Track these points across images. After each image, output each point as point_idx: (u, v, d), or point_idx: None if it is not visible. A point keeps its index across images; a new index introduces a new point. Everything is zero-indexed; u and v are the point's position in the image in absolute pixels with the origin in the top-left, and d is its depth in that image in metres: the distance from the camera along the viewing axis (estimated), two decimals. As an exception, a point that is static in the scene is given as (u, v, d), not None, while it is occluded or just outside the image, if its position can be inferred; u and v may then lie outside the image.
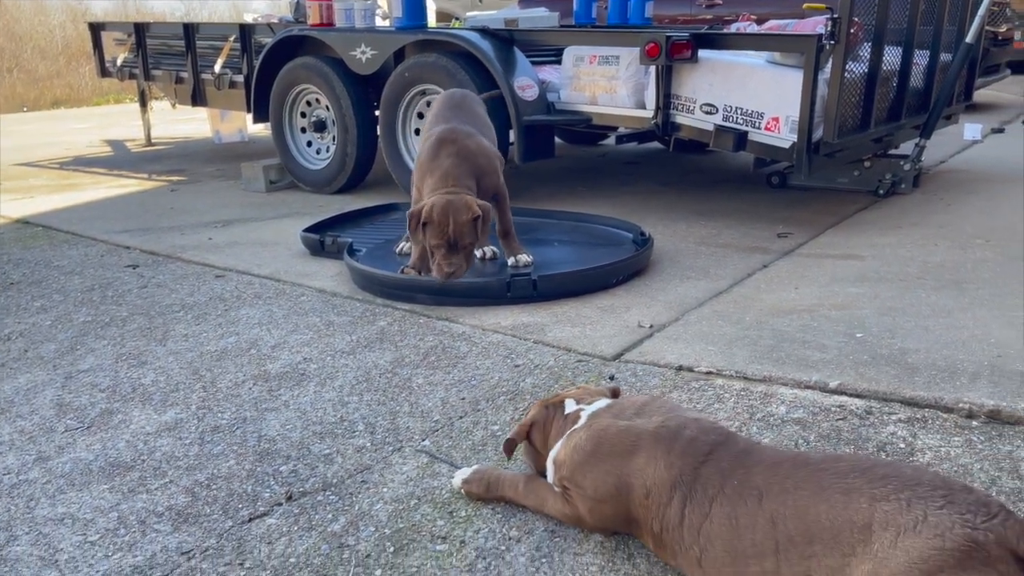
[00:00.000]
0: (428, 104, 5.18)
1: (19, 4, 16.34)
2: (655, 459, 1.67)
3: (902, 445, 2.05)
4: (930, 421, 2.15)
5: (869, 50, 4.39)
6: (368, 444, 2.29)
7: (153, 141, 8.66)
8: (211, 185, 6.33)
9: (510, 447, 2.00)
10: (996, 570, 1.25)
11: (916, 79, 5.03)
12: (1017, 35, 9.67)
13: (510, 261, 3.61)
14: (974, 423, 2.13)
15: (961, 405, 2.19)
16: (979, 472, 1.91)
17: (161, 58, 7.24)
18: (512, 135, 4.80)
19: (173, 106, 8.20)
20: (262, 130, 7.58)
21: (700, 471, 1.61)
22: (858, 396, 2.32)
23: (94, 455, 2.28)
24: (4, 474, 2.20)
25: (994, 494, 1.82)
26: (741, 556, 1.49)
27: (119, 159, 7.99)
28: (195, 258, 4.17)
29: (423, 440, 2.29)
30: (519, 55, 4.97)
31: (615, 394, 2.03)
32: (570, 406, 1.95)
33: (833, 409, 2.26)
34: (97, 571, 1.79)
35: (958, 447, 2.02)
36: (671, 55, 4.28)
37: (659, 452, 1.67)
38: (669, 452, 1.66)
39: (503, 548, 1.80)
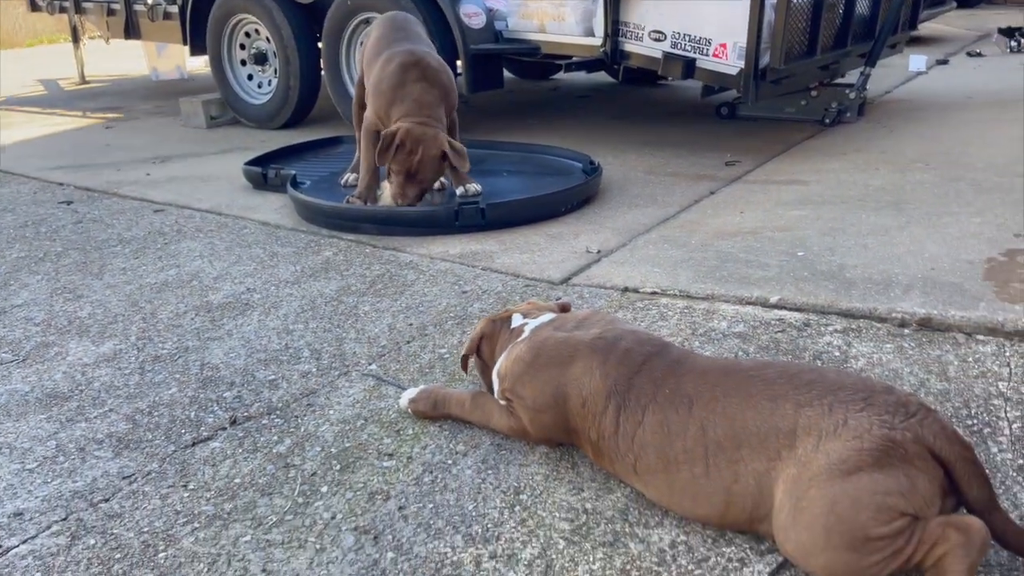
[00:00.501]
0: (372, 34, 5.04)
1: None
2: (591, 369, 1.69)
3: (837, 353, 2.11)
4: (864, 331, 2.21)
5: (816, -25, 4.37)
6: (314, 369, 2.27)
7: (88, 79, 8.32)
8: (149, 122, 6.11)
9: (465, 362, 2.02)
10: (913, 466, 1.30)
11: (862, 6, 5.03)
12: (963, -33, 9.71)
13: (459, 191, 3.57)
14: (906, 331, 2.20)
15: (894, 315, 2.25)
16: (909, 375, 1.97)
17: (91, -11, 6.89)
18: (459, 65, 4.70)
19: (107, 41, 7.84)
20: (202, 67, 7.31)
21: (634, 381, 1.63)
22: (797, 309, 2.37)
23: (30, 386, 2.23)
24: (-64, 408, 2.14)
25: (922, 395, 1.88)
26: (673, 462, 1.52)
27: (53, 98, 7.66)
28: (132, 193, 4.04)
29: (370, 364, 2.29)
30: (465, -18, 4.83)
31: (564, 309, 2.05)
32: (516, 320, 1.96)
33: (773, 322, 2.31)
34: (36, 497, 1.76)
35: (890, 353, 2.08)
36: (619, -20, 4.20)
37: (595, 362, 1.70)
38: (605, 362, 1.68)
39: (450, 462, 1.82)
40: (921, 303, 2.30)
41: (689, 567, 1.45)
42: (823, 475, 1.32)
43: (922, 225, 3.02)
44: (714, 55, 4.19)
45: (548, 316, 1.94)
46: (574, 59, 4.92)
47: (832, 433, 1.35)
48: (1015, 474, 1.61)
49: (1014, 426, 1.76)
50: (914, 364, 2.02)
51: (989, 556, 1.40)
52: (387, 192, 3.48)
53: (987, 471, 1.44)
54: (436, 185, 3.74)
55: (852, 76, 5.25)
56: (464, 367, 2.03)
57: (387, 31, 3.61)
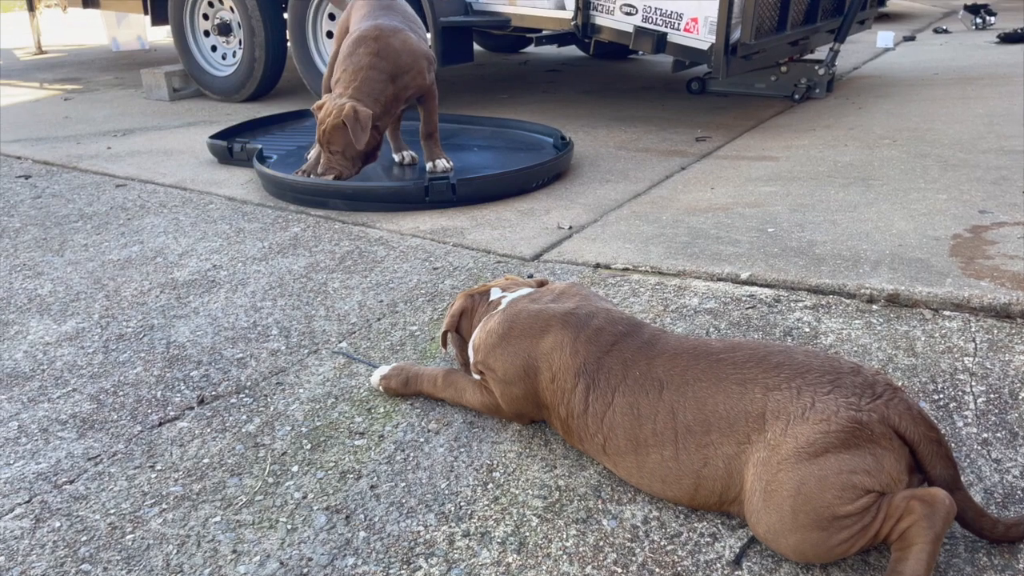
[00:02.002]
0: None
1: None
2: (561, 345, 1.69)
3: (807, 330, 2.12)
4: (834, 307, 2.23)
5: (787, -50, 4.37)
6: (283, 347, 2.24)
7: (44, 49, 8.07)
8: (109, 94, 5.95)
9: (445, 338, 2.00)
10: (879, 445, 1.32)
11: (832, -18, 5.05)
12: (930, -56, 9.78)
13: (428, 166, 3.53)
14: (874, 307, 2.22)
15: (863, 291, 2.27)
16: (877, 351, 2.00)
17: (45, -45, 6.66)
18: (429, 38, 4.63)
19: (64, 9, 7.61)
20: (164, 38, 7.12)
21: (603, 360, 1.63)
22: (767, 286, 2.39)
23: (-11, 367, 2.17)
24: None
25: (890, 371, 1.91)
26: (643, 444, 1.53)
27: (7, 68, 7.42)
28: (93, 167, 3.94)
29: (340, 342, 2.26)
30: (434, -48, 4.75)
31: (542, 285, 2.03)
32: (495, 294, 1.95)
33: (744, 299, 2.32)
34: (-3, 480, 1.72)
35: (859, 329, 2.10)
36: (590, -48, 4.16)
37: (566, 338, 1.69)
38: (575, 339, 1.68)
39: (422, 440, 1.80)
40: (889, 279, 2.33)
41: (662, 543, 1.46)
42: (791, 458, 1.33)
43: (890, 201, 3.05)
44: (685, 30, 4.18)
45: (526, 290, 1.93)
46: (544, 32, 4.88)
47: (800, 417, 1.36)
48: (979, 447, 1.64)
49: (979, 400, 1.79)
50: (882, 340, 2.05)
51: (954, 528, 1.43)
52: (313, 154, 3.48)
53: (952, 448, 1.47)
54: (407, 159, 3.69)
55: (821, 52, 5.27)
56: (444, 343, 2.01)
57: (371, 7, 3.51)
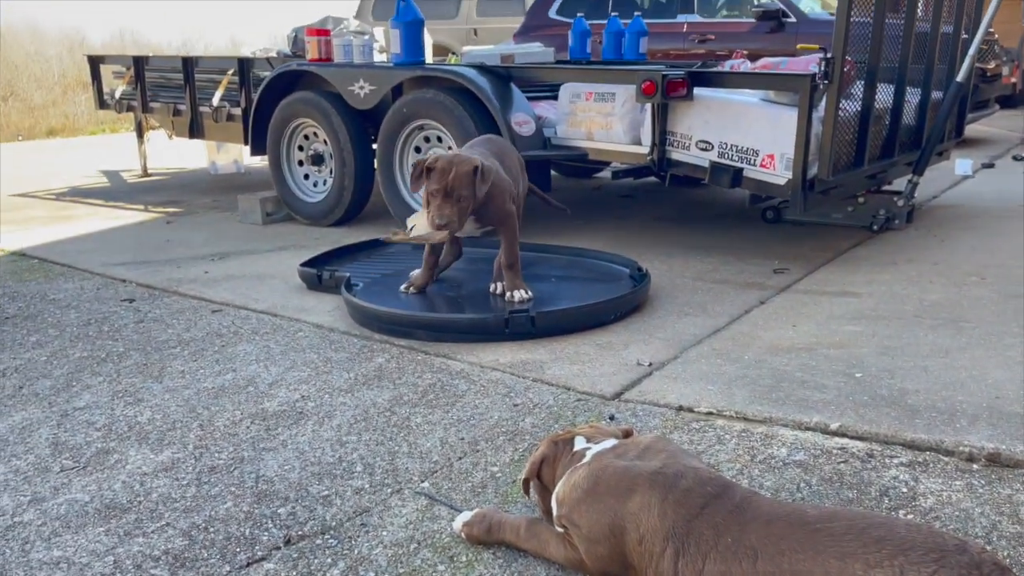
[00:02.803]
0: (426, 139, 5.22)
1: (16, 33, 16.44)
2: (649, 506, 1.67)
3: (904, 490, 2.05)
4: (931, 465, 2.15)
5: (862, 88, 4.46)
6: (367, 485, 2.27)
7: (149, 171, 8.67)
8: (207, 217, 6.33)
9: (527, 486, 2.00)
10: None
11: (908, 117, 5.10)
12: (1005, 70, 9.83)
13: (507, 296, 3.62)
14: (975, 466, 2.13)
15: (962, 448, 2.19)
16: (980, 517, 1.91)
17: (159, 90, 7.27)
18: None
19: (170, 137, 8.23)
20: (258, 161, 7.60)
21: (693, 524, 1.60)
22: (859, 438, 2.32)
23: (90, 496, 2.26)
24: (-2, 516, 2.18)
25: (994, 539, 1.81)
26: None
27: (115, 190, 8.00)
28: (192, 292, 4.16)
29: (422, 482, 2.28)
30: (515, 91, 5.02)
31: (627, 435, 2.03)
32: (579, 443, 1.95)
33: (835, 452, 2.26)
34: (93, 619, 1.76)
35: (959, 491, 2.02)
36: (667, 93, 4.33)
37: (654, 499, 1.67)
38: (663, 500, 1.66)
39: (505, 595, 1.78)
40: (988, 436, 2.24)
41: None
42: None
43: (983, 347, 2.96)
44: (761, 165, 4.26)
45: (611, 442, 1.92)
46: (621, 167, 5.03)
47: None
48: (1105, 636, 1.53)
49: (1099, 579, 1.68)
50: (985, 504, 1.96)
51: None
52: (421, 220, 3.55)
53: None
54: (499, 289, 3.75)
55: (900, 182, 5.27)
56: (526, 490, 2.01)
57: (470, 143, 3.83)
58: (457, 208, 3.36)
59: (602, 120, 4.80)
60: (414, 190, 3.60)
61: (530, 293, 3.62)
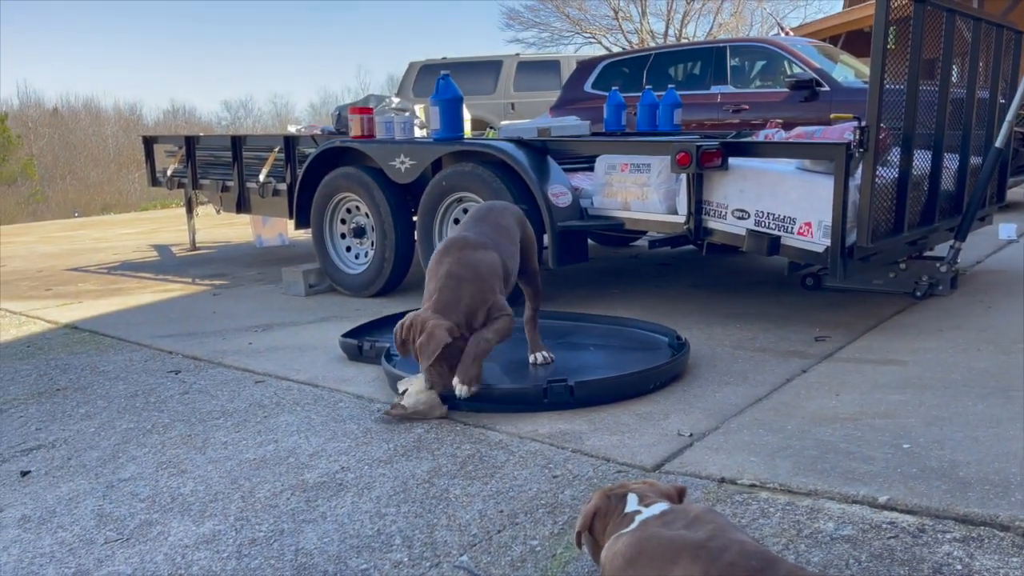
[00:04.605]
0: (465, 211, 5.33)
1: (76, 115, 17.30)
2: None
3: (959, 567, 1.97)
4: (986, 540, 2.07)
5: (899, 155, 4.46)
6: (406, 559, 2.26)
7: (197, 245, 8.95)
8: (252, 289, 6.49)
9: (579, 538, 1.97)
10: None
11: (947, 182, 5.07)
12: (1046, 134, 9.73)
13: (530, 358, 3.76)
14: (1033, 543, 2.05)
15: (1018, 523, 2.11)
16: (1043, 597, 1.83)
17: (209, 168, 7.56)
18: (547, 240, 4.89)
19: (218, 212, 8.51)
20: (301, 234, 7.80)
21: None
22: (909, 512, 2.25)
23: (132, 569, 2.28)
24: (44, 588, 2.20)
25: (1061, 622, 1.73)
26: None
27: (164, 264, 8.25)
28: (236, 363, 4.24)
29: (461, 555, 2.26)
30: (552, 163, 5.12)
31: (680, 493, 2.01)
32: (631, 503, 1.93)
33: (884, 526, 2.19)
34: None
35: (1017, 569, 1.94)
36: (701, 163, 4.38)
37: (696, 572, 1.64)
38: (705, 574, 1.63)
39: (545, 675, 1.74)
40: (1046, 510, 2.16)
41: None
42: None
43: (1036, 416, 2.87)
44: (799, 233, 4.25)
45: (661, 506, 1.90)
46: (658, 236, 5.06)
47: None
48: None
49: None
50: (1047, 583, 1.88)
51: None
52: (415, 385, 3.36)
53: None
54: (540, 360, 3.75)
55: (942, 248, 5.20)
56: (578, 544, 1.98)
57: (467, 220, 3.78)
58: (449, 366, 3.29)
59: (638, 190, 4.86)
60: (404, 355, 3.41)
61: (551, 355, 3.65)
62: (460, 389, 3.29)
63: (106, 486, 2.82)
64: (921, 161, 4.69)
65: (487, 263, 3.46)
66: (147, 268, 7.89)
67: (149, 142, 8.45)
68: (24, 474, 2.96)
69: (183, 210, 9.25)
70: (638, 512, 1.90)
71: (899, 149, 4.45)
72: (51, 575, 2.26)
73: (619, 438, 3.00)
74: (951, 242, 5.04)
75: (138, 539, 2.44)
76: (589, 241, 5.38)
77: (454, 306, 3.33)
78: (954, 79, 4.92)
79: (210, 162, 7.56)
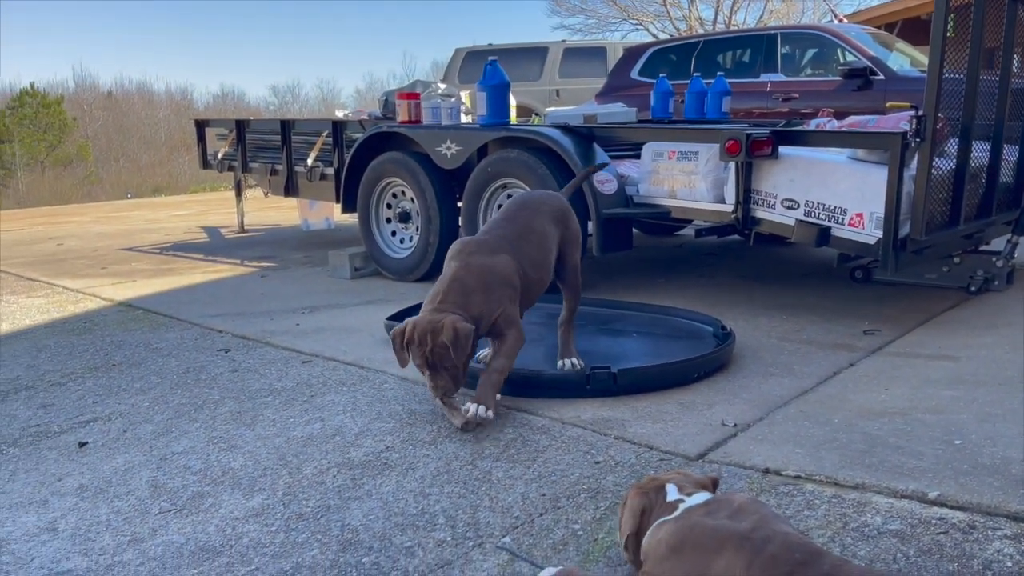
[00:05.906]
0: (509, 196, 5.34)
1: (129, 98, 17.70)
2: (733, 569, 1.64)
3: (1009, 564, 1.94)
4: (1040, 539, 2.03)
5: (956, 146, 4.35)
6: (449, 538, 2.29)
7: (246, 228, 9.11)
8: (299, 271, 6.59)
9: (628, 542, 1.96)
10: None
11: (1006, 175, 4.93)
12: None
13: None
14: (1090, 543, 2.00)
15: (1074, 523, 2.06)
16: (1099, 599, 1.79)
17: (258, 152, 7.69)
18: (591, 227, 4.88)
19: (266, 195, 8.65)
20: (347, 218, 7.89)
21: None
22: (959, 508, 2.21)
23: (185, 538, 2.35)
24: (100, 555, 2.28)
25: (1117, 624, 1.69)
26: None
27: (214, 245, 8.42)
28: (283, 343, 4.32)
29: (504, 536, 2.28)
30: (598, 150, 5.09)
31: (714, 483, 2.03)
32: (672, 493, 1.94)
33: (933, 521, 2.16)
34: (186, 658, 1.82)
35: (1073, 570, 1.90)
36: (751, 152, 4.32)
37: (739, 563, 1.64)
38: (749, 566, 1.63)
39: (586, 656, 1.76)
40: (1104, 511, 2.11)
41: None
42: None
43: (1094, 415, 2.80)
44: (850, 224, 4.17)
45: (703, 496, 1.91)
46: (705, 224, 5.01)
47: None
48: None
49: None
50: (1103, 584, 1.83)
51: None
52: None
53: None
54: (566, 366, 3.63)
55: (998, 242, 5.07)
56: (627, 547, 1.96)
57: (500, 214, 3.59)
58: (448, 375, 3.07)
59: (685, 179, 4.81)
60: (402, 365, 3.17)
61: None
62: (479, 409, 3.00)
63: (159, 458, 2.91)
64: (979, 152, 4.56)
65: (498, 271, 3.23)
66: (197, 249, 8.06)
67: (201, 125, 8.61)
68: (82, 445, 3.07)
69: (232, 193, 9.42)
70: (681, 501, 1.90)
71: (956, 140, 4.34)
72: (107, 542, 2.35)
73: (662, 426, 3.00)
74: (1008, 236, 4.90)
75: (190, 510, 2.52)
76: (633, 230, 5.36)
77: (459, 311, 3.11)
78: (1015, 68, 4.77)
79: (259, 146, 7.68)
